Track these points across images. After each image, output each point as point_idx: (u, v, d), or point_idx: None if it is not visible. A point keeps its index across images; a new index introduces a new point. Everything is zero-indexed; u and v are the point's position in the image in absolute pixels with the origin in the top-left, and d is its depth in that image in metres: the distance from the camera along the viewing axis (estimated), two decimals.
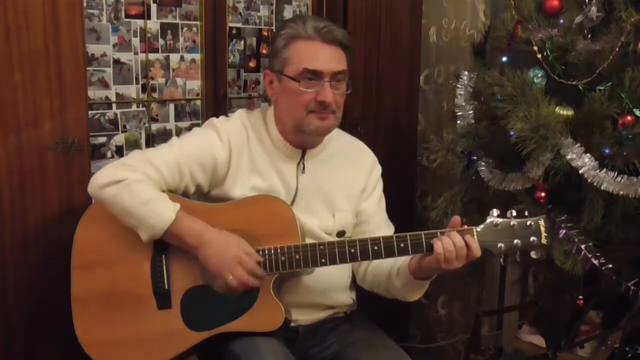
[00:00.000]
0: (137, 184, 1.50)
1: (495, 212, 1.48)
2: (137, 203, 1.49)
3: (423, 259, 1.50)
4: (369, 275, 1.70)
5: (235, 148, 1.62)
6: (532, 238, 1.46)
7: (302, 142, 1.65)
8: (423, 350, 2.69)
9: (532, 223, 1.47)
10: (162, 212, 1.50)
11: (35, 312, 1.72)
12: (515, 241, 1.46)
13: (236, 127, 1.64)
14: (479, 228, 1.47)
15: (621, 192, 1.63)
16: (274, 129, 1.66)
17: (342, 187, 1.69)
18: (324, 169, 1.68)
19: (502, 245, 1.46)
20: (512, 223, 1.47)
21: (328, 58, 1.57)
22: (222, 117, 1.68)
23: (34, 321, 1.73)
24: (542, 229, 1.46)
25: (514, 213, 1.48)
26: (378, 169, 1.78)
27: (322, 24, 1.57)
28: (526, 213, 1.49)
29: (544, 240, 1.46)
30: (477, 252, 1.45)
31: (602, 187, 1.64)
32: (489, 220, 1.48)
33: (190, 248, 1.52)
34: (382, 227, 1.73)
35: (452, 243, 1.43)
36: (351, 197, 1.70)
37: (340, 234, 1.69)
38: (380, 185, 1.77)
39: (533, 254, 1.48)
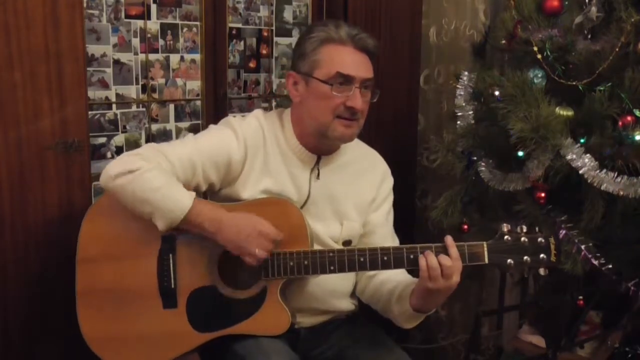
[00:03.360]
0: (151, 172, 1.49)
1: (505, 227, 1.47)
2: (151, 189, 1.47)
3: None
4: (368, 292, 1.69)
5: (251, 148, 1.60)
6: (542, 255, 1.45)
7: (319, 147, 1.63)
8: (423, 350, 2.69)
9: (543, 240, 1.46)
10: (180, 199, 1.48)
11: (34, 312, 1.73)
12: (525, 258, 1.45)
13: (253, 128, 1.63)
14: (489, 243, 1.46)
15: (621, 193, 1.63)
16: (290, 132, 1.64)
17: (353, 197, 1.68)
18: (337, 177, 1.67)
19: (511, 261, 1.45)
20: (522, 239, 1.46)
21: (359, 64, 1.56)
22: (238, 116, 1.67)
23: (33, 321, 1.73)
24: (552, 246, 1.45)
25: (524, 228, 1.47)
26: (390, 180, 1.76)
27: (355, 31, 1.58)
28: (537, 229, 1.48)
29: (553, 258, 1.45)
30: (453, 276, 1.43)
31: (602, 188, 1.64)
32: (498, 235, 1.47)
33: (208, 234, 1.51)
34: (387, 240, 1.71)
35: (436, 261, 1.42)
36: (361, 207, 1.69)
37: (346, 243, 1.68)
38: (390, 197, 1.76)
39: (541, 271, 1.47)
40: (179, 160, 1.55)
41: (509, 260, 1.45)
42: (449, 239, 1.46)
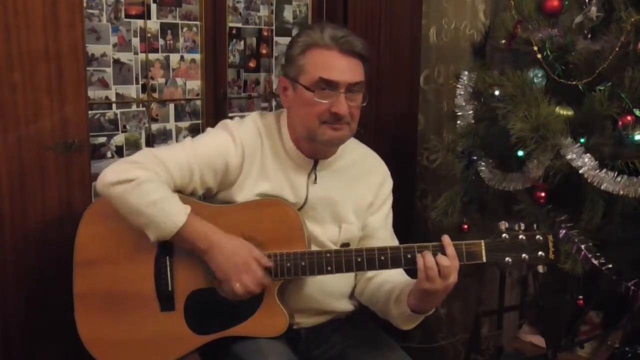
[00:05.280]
0: (147, 184, 1.48)
1: (502, 225, 1.47)
2: (147, 203, 1.47)
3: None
4: (367, 293, 1.68)
5: (248, 153, 1.59)
6: (540, 253, 1.45)
7: (315, 151, 1.62)
8: (423, 350, 2.69)
9: (541, 237, 1.46)
10: (173, 214, 1.47)
11: (34, 312, 1.72)
12: (523, 255, 1.45)
13: (250, 132, 1.61)
14: (487, 241, 1.46)
15: (621, 192, 1.63)
16: (287, 137, 1.63)
17: (351, 200, 1.67)
18: (335, 181, 1.66)
19: (510, 259, 1.45)
20: (520, 237, 1.46)
21: (345, 69, 1.53)
22: (236, 120, 1.65)
23: (33, 321, 1.73)
24: (550, 244, 1.45)
25: (522, 226, 1.47)
26: (389, 183, 1.74)
27: (341, 33, 1.54)
28: (535, 227, 1.48)
29: (551, 256, 1.45)
30: (451, 276, 1.42)
31: (602, 187, 1.64)
32: (496, 233, 1.46)
33: (199, 252, 1.50)
34: (386, 242, 1.70)
35: (433, 261, 1.41)
36: (359, 211, 1.68)
37: (345, 245, 1.66)
38: (389, 200, 1.74)
39: (540, 269, 1.47)
40: (177, 166, 1.53)
41: (507, 259, 1.45)
42: (446, 239, 1.45)
